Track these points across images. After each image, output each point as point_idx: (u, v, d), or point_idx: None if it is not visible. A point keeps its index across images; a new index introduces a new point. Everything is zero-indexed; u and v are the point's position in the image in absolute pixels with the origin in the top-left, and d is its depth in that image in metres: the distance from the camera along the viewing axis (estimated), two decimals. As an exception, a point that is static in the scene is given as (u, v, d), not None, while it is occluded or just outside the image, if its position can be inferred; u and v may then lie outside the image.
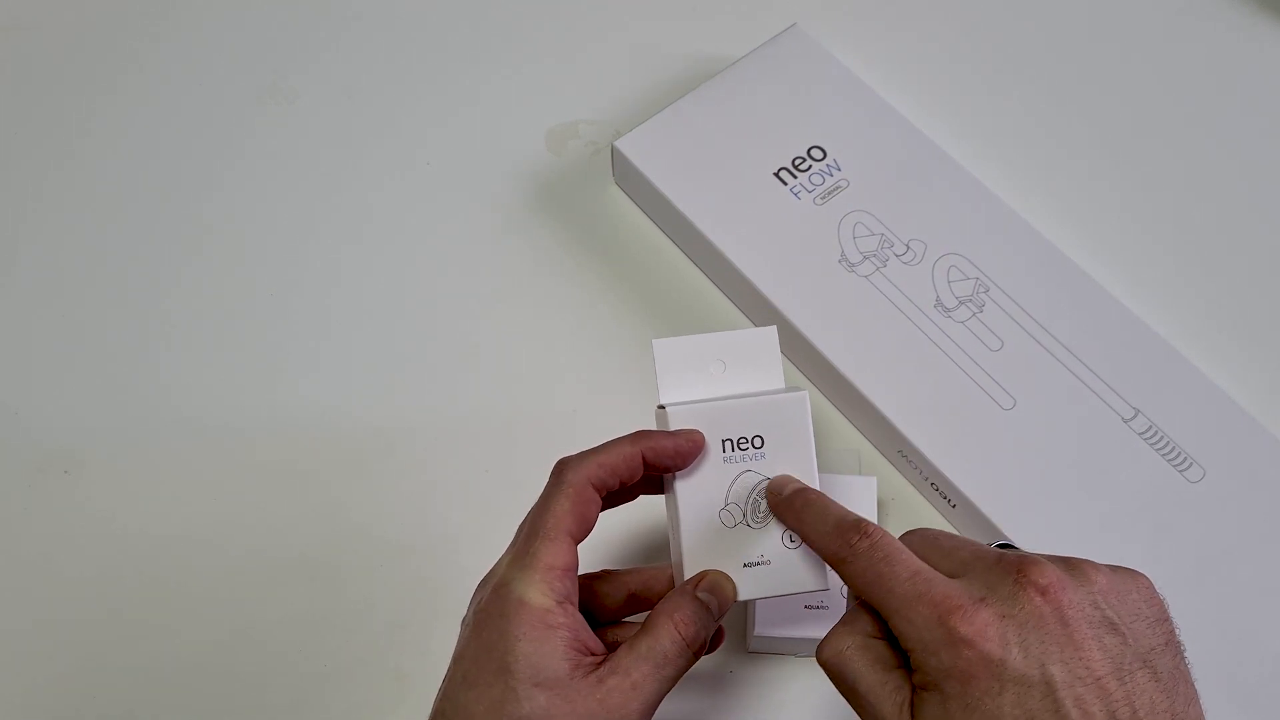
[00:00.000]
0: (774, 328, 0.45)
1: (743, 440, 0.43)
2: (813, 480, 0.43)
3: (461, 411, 0.59)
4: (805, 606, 0.50)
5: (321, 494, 0.57)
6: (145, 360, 0.61)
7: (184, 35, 0.72)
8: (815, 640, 0.49)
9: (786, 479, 0.43)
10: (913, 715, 0.34)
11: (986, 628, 0.34)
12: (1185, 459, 0.53)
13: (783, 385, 0.44)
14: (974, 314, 0.56)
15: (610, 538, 0.54)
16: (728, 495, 0.43)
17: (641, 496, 0.46)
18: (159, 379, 0.60)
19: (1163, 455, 0.53)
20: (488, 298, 0.62)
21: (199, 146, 0.67)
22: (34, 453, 0.58)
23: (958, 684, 0.33)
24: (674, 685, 0.40)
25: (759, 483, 0.43)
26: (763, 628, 0.50)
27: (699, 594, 0.41)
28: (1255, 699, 0.48)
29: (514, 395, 0.59)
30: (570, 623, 0.39)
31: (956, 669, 0.33)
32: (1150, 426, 0.54)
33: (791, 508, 0.42)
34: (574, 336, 0.61)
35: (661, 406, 0.44)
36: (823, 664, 0.38)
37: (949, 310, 0.57)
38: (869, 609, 0.37)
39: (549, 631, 0.38)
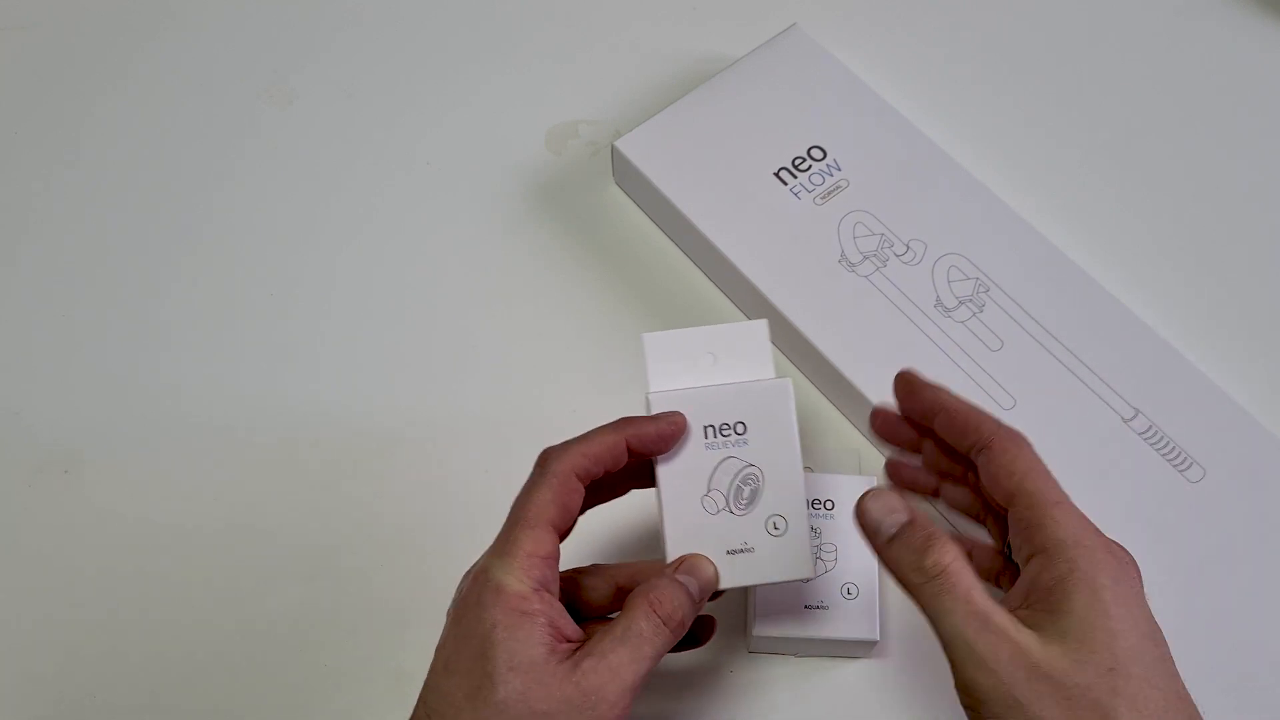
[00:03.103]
0: (765, 321, 0.45)
1: (725, 426, 0.43)
2: (796, 468, 0.43)
3: (461, 411, 0.59)
4: (805, 606, 0.50)
5: (322, 494, 0.57)
6: (145, 360, 0.61)
7: (184, 35, 0.72)
8: (815, 640, 0.50)
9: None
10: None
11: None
12: (1185, 459, 0.53)
13: (773, 378, 0.44)
14: (974, 314, 0.56)
15: (602, 534, 0.54)
16: (710, 482, 0.43)
17: (633, 492, 0.46)
18: (159, 379, 0.60)
19: (1163, 455, 0.53)
20: (487, 297, 0.62)
21: (199, 146, 0.67)
22: (34, 453, 0.58)
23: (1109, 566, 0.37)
24: (653, 666, 0.39)
25: (741, 469, 0.43)
26: (763, 628, 0.50)
27: (677, 576, 0.41)
28: (1255, 699, 0.48)
29: (514, 395, 0.59)
30: (546, 609, 0.39)
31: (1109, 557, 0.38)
32: (1150, 426, 0.54)
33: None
34: (574, 336, 0.61)
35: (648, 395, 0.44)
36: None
37: (949, 310, 0.57)
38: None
39: (523, 618, 0.38)
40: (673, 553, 0.43)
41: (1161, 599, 0.50)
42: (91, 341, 0.61)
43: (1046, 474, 0.40)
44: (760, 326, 0.45)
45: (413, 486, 0.57)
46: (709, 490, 0.43)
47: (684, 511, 0.43)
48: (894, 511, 0.39)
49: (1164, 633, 0.37)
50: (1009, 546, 0.41)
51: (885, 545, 0.39)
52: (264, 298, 0.62)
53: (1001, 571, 0.43)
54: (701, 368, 0.44)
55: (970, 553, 0.43)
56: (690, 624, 0.41)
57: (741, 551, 0.43)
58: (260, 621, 0.54)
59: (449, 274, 0.63)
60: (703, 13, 0.72)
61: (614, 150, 0.62)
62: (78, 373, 0.60)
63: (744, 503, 0.43)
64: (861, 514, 0.40)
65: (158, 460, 0.58)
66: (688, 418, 0.43)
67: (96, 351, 0.61)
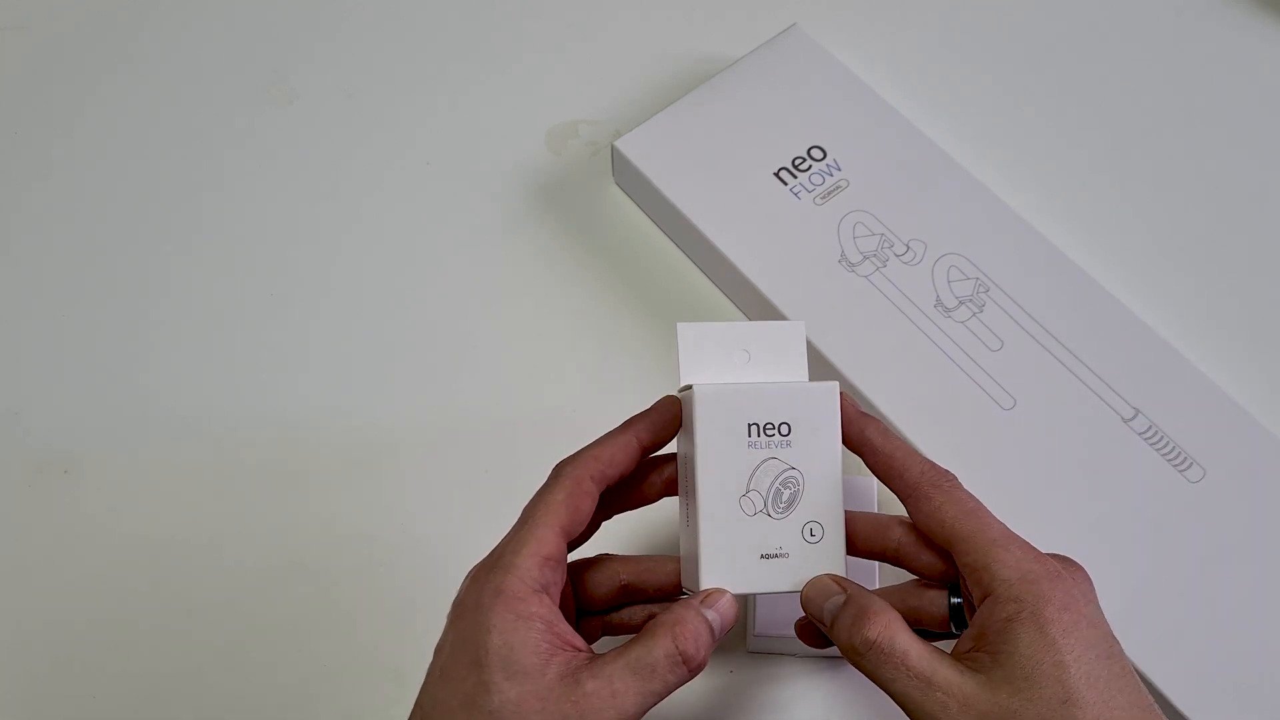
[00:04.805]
0: (802, 323, 0.44)
1: (769, 426, 0.42)
2: (837, 475, 0.42)
3: (461, 411, 0.59)
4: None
5: (321, 494, 0.57)
6: (144, 361, 0.61)
7: (183, 34, 0.72)
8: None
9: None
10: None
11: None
12: (1185, 459, 0.53)
13: (806, 381, 0.43)
14: (974, 314, 0.56)
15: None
16: (750, 482, 0.42)
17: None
18: (158, 380, 0.60)
19: (1163, 455, 0.53)
20: (487, 297, 0.62)
21: (198, 146, 0.67)
22: (33, 453, 0.58)
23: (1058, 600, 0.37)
24: (660, 700, 0.38)
25: (782, 472, 0.42)
26: (763, 628, 0.50)
27: (704, 611, 0.40)
28: (1256, 699, 0.48)
29: (513, 395, 0.59)
30: (545, 613, 0.38)
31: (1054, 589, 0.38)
32: (1150, 426, 0.54)
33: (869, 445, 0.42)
34: (574, 336, 0.61)
35: (688, 387, 0.43)
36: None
37: (949, 310, 0.57)
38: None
39: (521, 622, 0.38)
40: (707, 553, 0.41)
41: (1162, 599, 0.50)
42: (90, 342, 0.61)
43: (979, 511, 0.40)
44: (798, 328, 0.44)
45: (412, 487, 0.57)
46: (748, 491, 0.42)
47: (721, 510, 0.42)
48: (830, 594, 0.40)
49: (1162, 634, 0.37)
50: (952, 612, 0.42)
51: (830, 629, 0.40)
52: (264, 298, 0.62)
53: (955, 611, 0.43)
54: (734, 364, 0.43)
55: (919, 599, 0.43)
56: (706, 664, 0.40)
57: (776, 557, 0.41)
58: (259, 621, 0.54)
59: (448, 274, 0.63)
60: (703, 13, 0.72)
61: (614, 150, 0.62)
62: (77, 373, 0.60)
63: (782, 506, 0.42)
64: (806, 604, 0.41)
65: (157, 461, 0.58)
66: (731, 414, 0.42)
67: (95, 352, 0.61)
